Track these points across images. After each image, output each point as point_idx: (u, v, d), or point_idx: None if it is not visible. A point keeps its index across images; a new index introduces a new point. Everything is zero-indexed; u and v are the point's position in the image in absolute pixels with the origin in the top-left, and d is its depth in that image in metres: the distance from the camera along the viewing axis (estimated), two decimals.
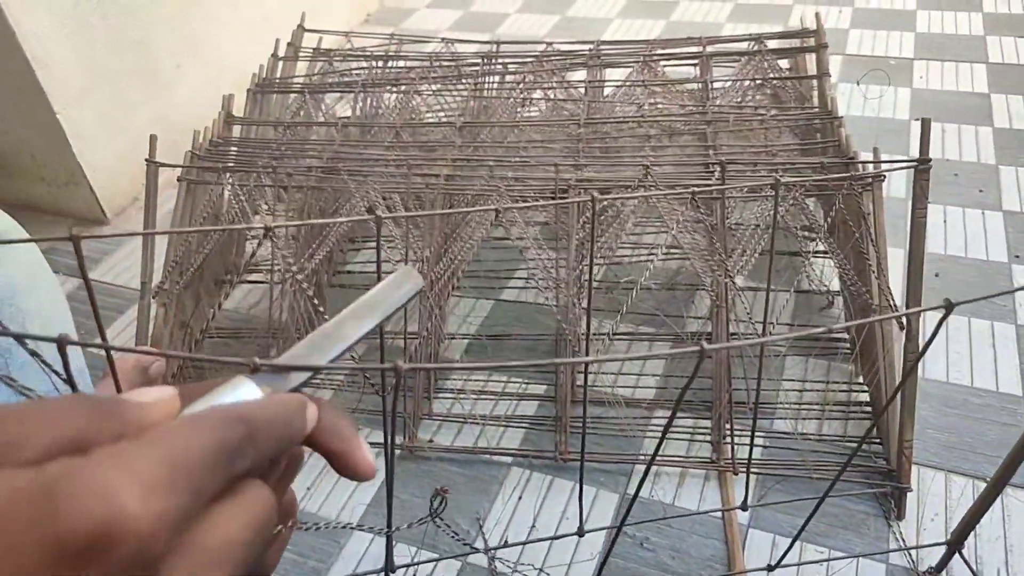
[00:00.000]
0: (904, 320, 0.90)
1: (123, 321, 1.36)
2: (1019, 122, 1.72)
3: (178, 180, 1.14)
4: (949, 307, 0.40)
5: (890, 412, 0.96)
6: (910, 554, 0.94)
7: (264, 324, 1.26)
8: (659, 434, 1.07)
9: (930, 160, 0.91)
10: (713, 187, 0.92)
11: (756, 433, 0.99)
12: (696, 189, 0.79)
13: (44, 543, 0.17)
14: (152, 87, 1.63)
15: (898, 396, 0.94)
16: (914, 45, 2.02)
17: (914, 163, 0.91)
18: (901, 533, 0.96)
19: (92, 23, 1.46)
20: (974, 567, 0.92)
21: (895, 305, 0.95)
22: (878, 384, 1.00)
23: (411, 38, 1.57)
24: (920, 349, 0.48)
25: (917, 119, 1.74)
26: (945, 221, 1.47)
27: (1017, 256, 1.37)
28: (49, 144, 1.49)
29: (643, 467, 1.04)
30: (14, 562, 0.17)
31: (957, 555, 0.89)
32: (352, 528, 1.00)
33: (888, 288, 0.95)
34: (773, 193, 1.03)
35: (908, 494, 0.97)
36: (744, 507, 0.75)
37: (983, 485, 1.01)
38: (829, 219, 1.05)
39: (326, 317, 0.37)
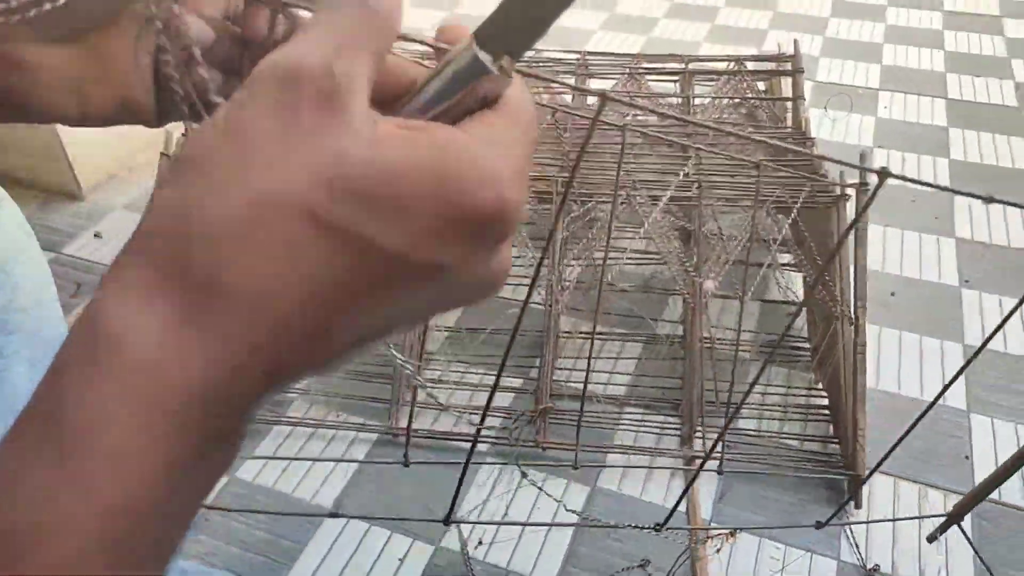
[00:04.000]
0: (852, 315, 0.98)
1: None
2: (973, 156, 1.81)
3: (161, 155, 1.14)
4: (884, 175, 0.41)
5: (847, 413, 1.02)
6: (858, 551, 1.00)
7: None
8: (631, 429, 1.12)
9: (867, 184, 1.00)
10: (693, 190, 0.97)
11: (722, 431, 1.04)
12: (676, 189, 0.84)
13: (448, 214, 0.21)
14: None
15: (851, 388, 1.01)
16: (880, 76, 2.11)
17: (855, 184, 1.02)
18: (853, 533, 1.02)
19: None
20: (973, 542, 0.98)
21: (849, 309, 1.02)
22: (836, 388, 1.06)
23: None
24: (857, 217, 0.52)
25: (880, 146, 1.83)
26: (902, 244, 1.54)
27: (967, 281, 1.45)
28: None
29: (615, 460, 1.08)
30: (415, 221, 0.20)
31: (956, 527, 0.95)
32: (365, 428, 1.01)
33: (846, 296, 1.02)
34: (748, 204, 1.09)
35: (857, 509, 1.03)
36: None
37: (931, 492, 1.07)
38: (797, 231, 1.11)
39: None
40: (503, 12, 0.23)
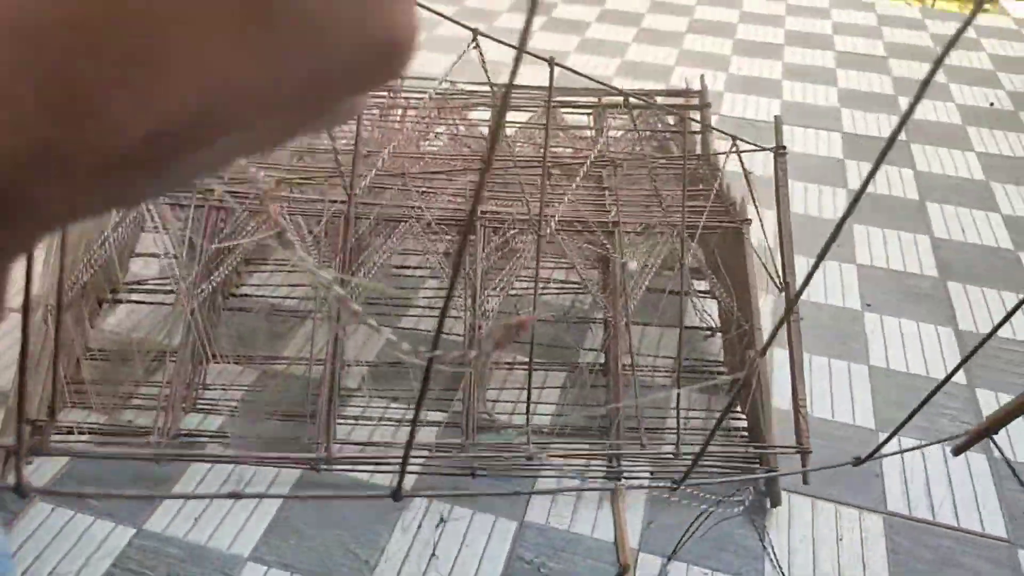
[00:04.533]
0: (781, 281, 1.02)
1: None
2: (869, 186, 1.92)
3: None
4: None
5: (767, 434, 1.04)
6: (781, 569, 1.02)
7: (150, 346, 1.21)
8: (557, 460, 1.11)
9: (785, 148, 1.17)
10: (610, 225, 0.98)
11: (645, 456, 1.05)
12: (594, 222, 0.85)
13: (364, 39, 0.15)
14: None
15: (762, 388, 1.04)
16: (780, 111, 2.21)
17: (773, 148, 1.17)
18: (775, 552, 1.03)
19: None
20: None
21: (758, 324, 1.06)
22: (755, 412, 1.08)
23: None
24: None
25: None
26: (807, 270, 1.61)
27: (868, 305, 1.52)
28: None
29: (540, 494, 1.07)
30: (340, 42, 0.14)
31: (989, 440, 0.95)
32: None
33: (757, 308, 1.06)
34: (663, 233, 1.11)
35: (774, 507, 1.05)
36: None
37: (846, 510, 1.11)
38: (711, 258, 1.14)
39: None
40: None
